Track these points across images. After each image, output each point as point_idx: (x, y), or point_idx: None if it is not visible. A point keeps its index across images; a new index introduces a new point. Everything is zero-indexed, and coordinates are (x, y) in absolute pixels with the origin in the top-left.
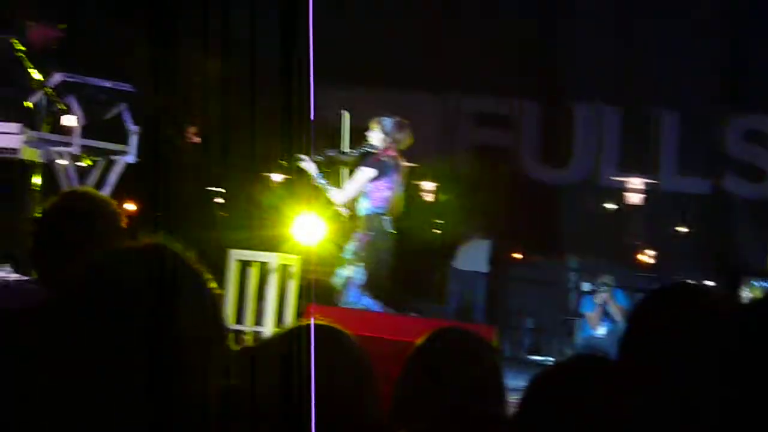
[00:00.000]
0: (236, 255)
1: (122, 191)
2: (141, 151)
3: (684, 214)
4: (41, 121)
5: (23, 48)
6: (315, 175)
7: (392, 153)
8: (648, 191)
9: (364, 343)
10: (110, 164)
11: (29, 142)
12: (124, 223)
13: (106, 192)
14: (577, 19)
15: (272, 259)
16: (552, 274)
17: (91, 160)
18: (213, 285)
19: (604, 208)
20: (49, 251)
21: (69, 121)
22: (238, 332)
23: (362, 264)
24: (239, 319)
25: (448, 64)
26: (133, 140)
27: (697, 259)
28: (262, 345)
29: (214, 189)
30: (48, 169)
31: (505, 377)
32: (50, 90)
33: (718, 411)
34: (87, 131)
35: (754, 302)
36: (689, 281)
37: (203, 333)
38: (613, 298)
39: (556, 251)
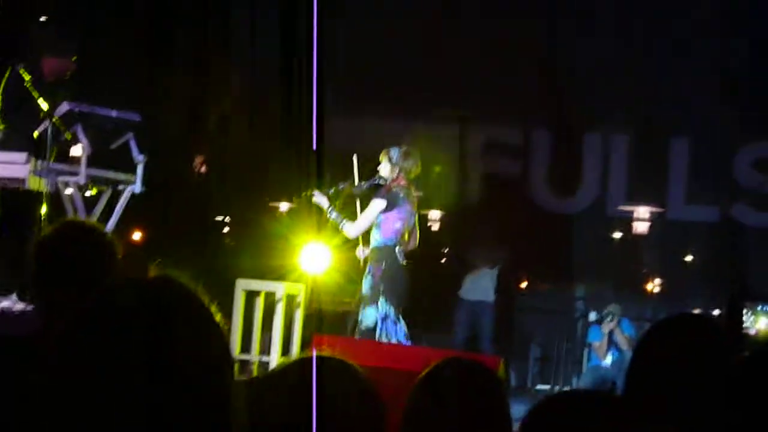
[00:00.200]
0: (243, 285)
1: (129, 220)
2: (148, 180)
3: (692, 242)
4: (48, 150)
5: (30, 77)
6: (327, 210)
7: (402, 182)
8: (655, 219)
9: (371, 374)
10: (117, 194)
11: (36, 172)
12: (120, 254)
13: (112, 221)
14: (587, 47)
15: (279, 288)
16: (559, 303)
17: (97, 189)
18: (219, 318)
19: (612, 236)
20: (45, 280)
21: (76, 150)
22: (245, 362)
23: (382, 297)
24: (246, 349)
25: (457, 91)
26: (140, 170)
27: (704, 288)
28: (266, 378)
29: (221, 218)
30: (55, 199)
31: (511, 408)
32: (57, 119)
33: None
34: (93, 160)
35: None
36: (695, 312)
37: (208, 367)
38: (620, 327)
39: (563, 280)
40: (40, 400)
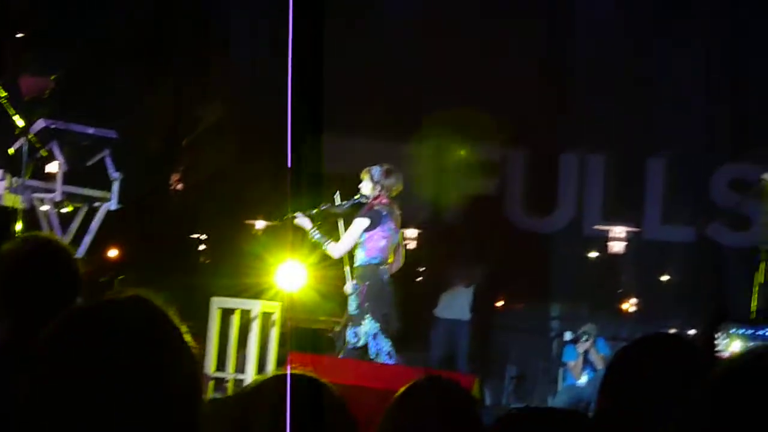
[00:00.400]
0: (218, 303)
1: (105, 238)
2: (124, 197)
3: (668, 262)
4: (24, 167)
5: (6, 93)
6: (311, 232)
7: (384, 200)
8: (632, 239)
9: (345, 392)
10: (93, 211)
11: (11, 189)
12: (81, 269)
13: (88, 238)
14: (565, 67)
15: (254, 306)
16: (535, 322)
17: (73, 206)
18: (189, 338)
19: (588, 256)
20: (5, 296)
21: (51, 167)
22: (220, 379)
23: (368, 315)
24: (221, 367)
25: (434, 111)
26: (116, 187)
27: (681, 308)
28: (239, 396)
29: (196, 236)
30: (30, 216)
31: (485, 427)
32: (33, 136)
33: None
34: (69, 177)
35: (738, 357)
36: (671, 331)
37: (177, 388)
38: (596, 346)
39: (539, 299)
40: (6, 419)
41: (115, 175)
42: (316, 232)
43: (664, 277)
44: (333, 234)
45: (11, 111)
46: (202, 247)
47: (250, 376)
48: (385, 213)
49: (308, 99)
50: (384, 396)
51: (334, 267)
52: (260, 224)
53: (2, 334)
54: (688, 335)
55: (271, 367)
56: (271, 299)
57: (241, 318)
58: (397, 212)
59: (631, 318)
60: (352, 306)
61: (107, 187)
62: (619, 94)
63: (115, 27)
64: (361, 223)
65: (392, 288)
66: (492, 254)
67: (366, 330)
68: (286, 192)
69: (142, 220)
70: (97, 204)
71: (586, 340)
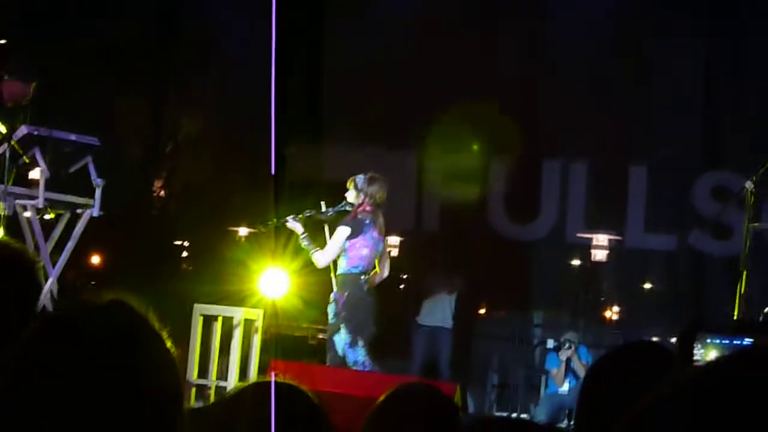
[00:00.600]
0: (200, 309)
1: (87, 244)
2: (107, 204)
3: (650, 270)
4: (6, 173)
5: None
6: (301, 236)
7: (368, 208)
8: (614, 247)
9: (326, 400)
10: (75, 217)
11: None
12: (40, 273)
13: (70, 245)
14: (547, 75)
15: (236, 313)
16: (517, 329)
17: (56, 213)
18: (170, 344)
19: (571, 264)
20: None
21: (34, 173)
22: (202, 386)
23: (343, 324)
24: (203, 373)
25: (416, 120)
26: (98, 193)
27: (662, 316)
28: (220, 403)
29: (179, 242)
30: (12, 222)
31: None
32: (15, 142)
33: None
34: (52, 184)
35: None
36: (653, 339)
37: (157, 393)
38: (578, 354)
39: (521, 307)
40: None
41: (98, 182)
42: (306, 238)
43: (647, 285)
44: (318, 240)
45: None
46: (184, 253)
47: (232, 383)
48: (368, 221)
49: (293, 107)
50: (365, 404)
51: (317, 274)
52: (243, 231)
53: None
54: (670, 343)
55: (253, 374)
56: (254, 306)
57: (224, 325)
58: (381, 220)
59: (613, 326)
60: (330, 314)
61: (90, 193)
62: (602, 100)
63: (98, 35)
64: (342, 231)
65: (373, 297)
66: (474, 261)
67: (341, 339)
68: (270, 199)
69: (125, 227)
70: (79, 211)
71: (569, 348)
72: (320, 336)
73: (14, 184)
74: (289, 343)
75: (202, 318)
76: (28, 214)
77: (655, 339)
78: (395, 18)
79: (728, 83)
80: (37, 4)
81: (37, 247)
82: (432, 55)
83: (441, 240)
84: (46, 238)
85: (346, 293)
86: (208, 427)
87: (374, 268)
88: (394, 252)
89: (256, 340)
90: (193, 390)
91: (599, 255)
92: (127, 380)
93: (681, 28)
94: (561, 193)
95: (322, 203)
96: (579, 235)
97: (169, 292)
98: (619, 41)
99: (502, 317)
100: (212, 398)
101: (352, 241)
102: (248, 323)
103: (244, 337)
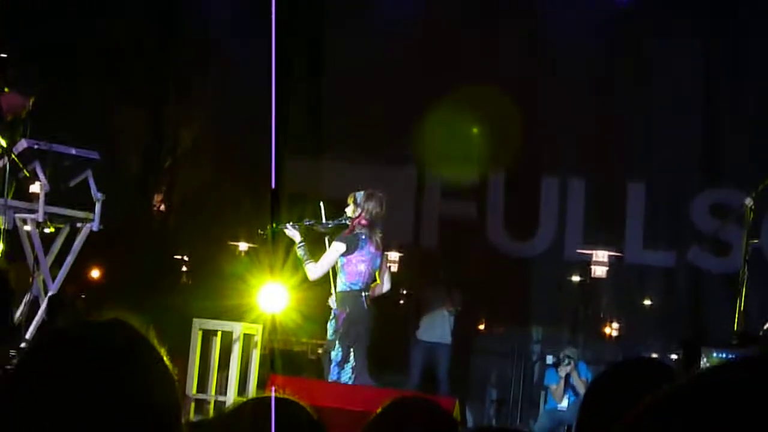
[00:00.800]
0: (200, 324)
1: (87, 258)
2: (106, 218)
3: (649, 286)
4: (6, 187)
5: None
6: (298, 244)
7: (364, 222)
8: (613, 263)
9: (325, 414)
10: (75, 231)
11: None
12: (12, 284)
13: (70, 259)
14: (547, 92)
15: (235, 328)
16: (516, 345)
17: (55, 226)
18: (168, 361)
19: (570, 280)
20: None
21: (34, 187)
22: (201, 401)
23: (340, 341)
24: (202, 388)
25: (415, 136)
26: (98, 207)
27: (662, 332)
28: (218, 419)
29: (179, 257)
30: (13, 236)
31: None
32: (15, 156)
33: None
34: (52, 198)
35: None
36: (653, 356)
37: (155, 411)
38: (577, 370)
39: (520, 323)
40: None
41: (98, 196)
42: (303, 247)
43: (646, 302)
44: (317, 252)
45: None
46: (184, 268)
47: (231, 397)
48: (363, 236)
49: (293, 115)
50: (362, 418)
51: (316, 289)
52: (243, 246)
53: None
54: (670, 359)
55: (252, 389)
56: (253, 321)
57: (223, 339)
58: (378, 235)
59: (612, 342)
60: (329, 331)
61: (90, 207)
62: (602, 100)
63: (97, 35)
64: (337, 247)
65: (373, 312)
66: (473, 277)
67: (335, 355)
68: (268, 213)
69: (125, 241)
70: (79, 224)
71: (568, 364)
72: (319, 351)
73: (14, 197)
74: (288, 358)
75: (201, 332)
76: (28, 227)
77: (654, 355)
78: (395, 18)
79: (728, 83)
80: (37, 4)
81: (36, 261)
82: (432, 55)
83: (440, 256)
84: (46, 252)
85: (347, 311)
86: None
87: (374, 280)
88: (394, 267)
89: (255, 355)
90: (192, 404)
91: (598, 271)
92: (126, 397)
93: (681, 28)
94: (560, 209)
95: (322, 207)
96: (578, 251)
97: (169, 307)
98: (619, 41)
99: (501, 333)
100: (211, 413)
101: (349, 257)
102: (247, 338)
103: (243, 352)
